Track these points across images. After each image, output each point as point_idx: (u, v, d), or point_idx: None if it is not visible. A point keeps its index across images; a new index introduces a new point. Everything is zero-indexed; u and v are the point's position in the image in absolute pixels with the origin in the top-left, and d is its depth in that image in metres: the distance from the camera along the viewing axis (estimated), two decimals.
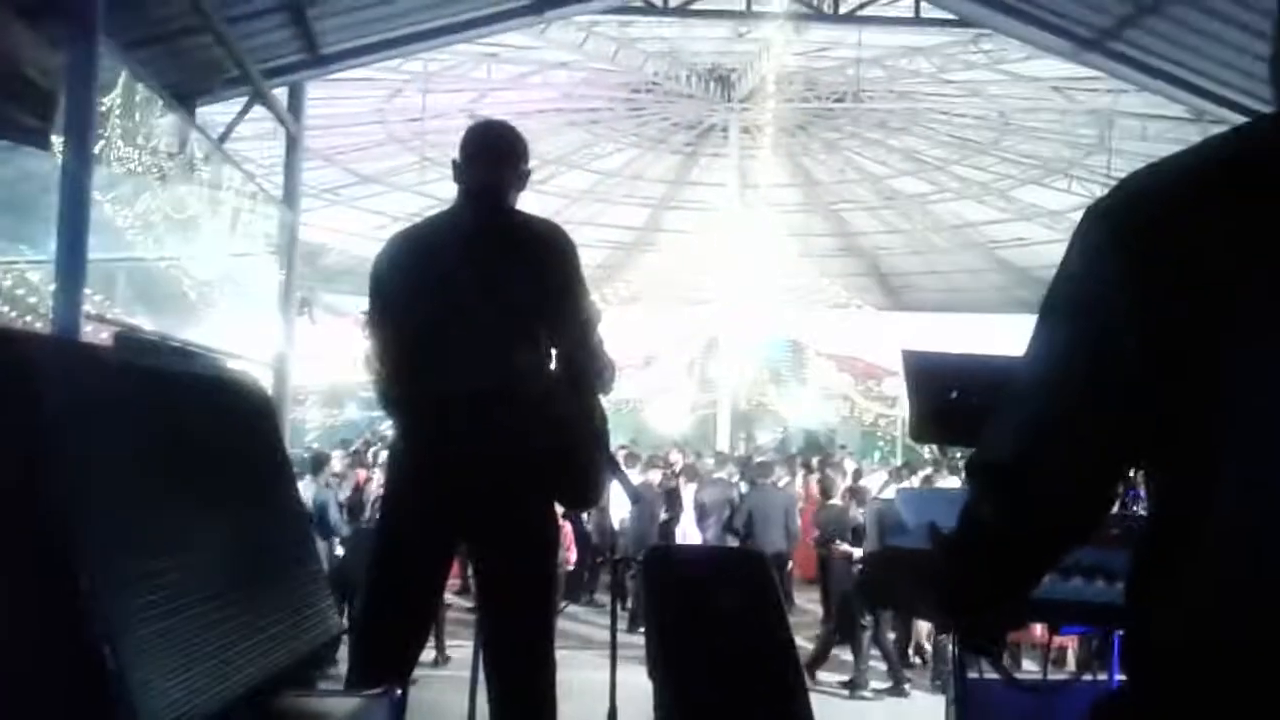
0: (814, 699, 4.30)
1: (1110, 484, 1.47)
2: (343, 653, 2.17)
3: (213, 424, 1.74)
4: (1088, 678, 3.88)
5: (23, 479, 1.23)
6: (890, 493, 10.74)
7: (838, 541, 9.15)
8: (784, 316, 17.79)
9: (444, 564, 3.23)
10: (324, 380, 14.14)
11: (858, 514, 9.39)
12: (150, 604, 1.36)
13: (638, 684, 4.06)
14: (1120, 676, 1.46)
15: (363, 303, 3.52)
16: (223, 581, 1.57)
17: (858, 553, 8.71)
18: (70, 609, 1.23)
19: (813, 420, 21.65)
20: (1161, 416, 1.29)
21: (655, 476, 11.97)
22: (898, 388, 17.93)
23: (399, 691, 1.97)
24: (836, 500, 9.87)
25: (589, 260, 3.73)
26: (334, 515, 8.32)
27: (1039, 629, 5.98)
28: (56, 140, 4.77)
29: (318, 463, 9.06)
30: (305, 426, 17.00)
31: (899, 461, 14.90)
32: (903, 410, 18.67)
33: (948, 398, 3.03)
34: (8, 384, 1.25)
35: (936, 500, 3.86)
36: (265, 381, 7.35)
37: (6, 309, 12.11)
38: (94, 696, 1.23)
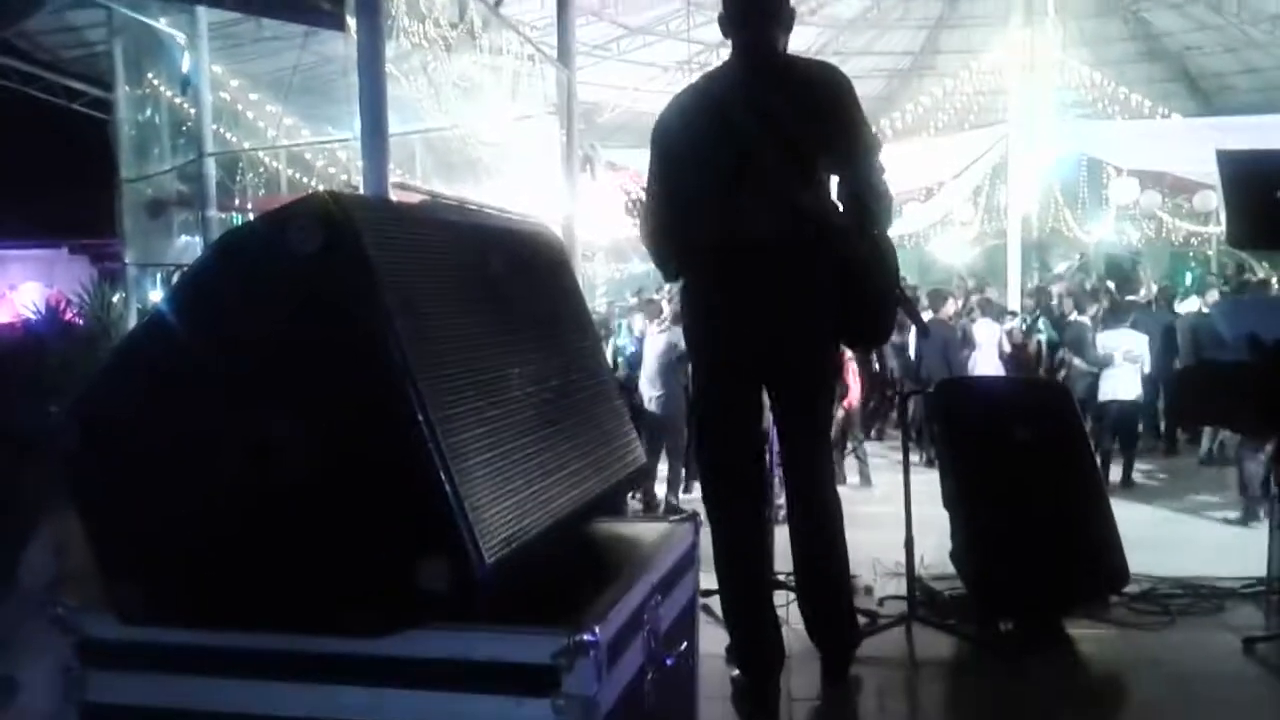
0: (1126, 520, 4.18)
1: None
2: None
3: (520, 275, 1.86)
4: None
5: (364, 329, 1.37)
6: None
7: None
8: (1078, 133, 16.53)
9: (756, 401, 3.35)
10: (608, 235, 14.52)
11: None
12: (476, 438, 1.50)
13: (933, 516, 4.09)
14: None
15: (640, 157, 3.60)
16: (536, 418, 1.69)
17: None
18: (411, 445, 1.38)
19: (1115, 243, 20.29)
20: None
21: (949, 308, 11.62)
22: (1210, 202, 16.46)
23: (700, 517, 2.08)
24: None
25: (865, 91, 3.64)
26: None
27: None
28: (350, 22, 5.06)
29: (651, 307, 9.07)
30: (594, 282, 17.61)
31: (1220, 282, 13.63)
32: (1217, 227, 17.14)
33: (1272, 197, 2.82)
34: (345, 237, 1.38)
35: (1257, 309, 3.59)
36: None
37: (321, 186, 13.12)
38: (436, 521, 1.38)
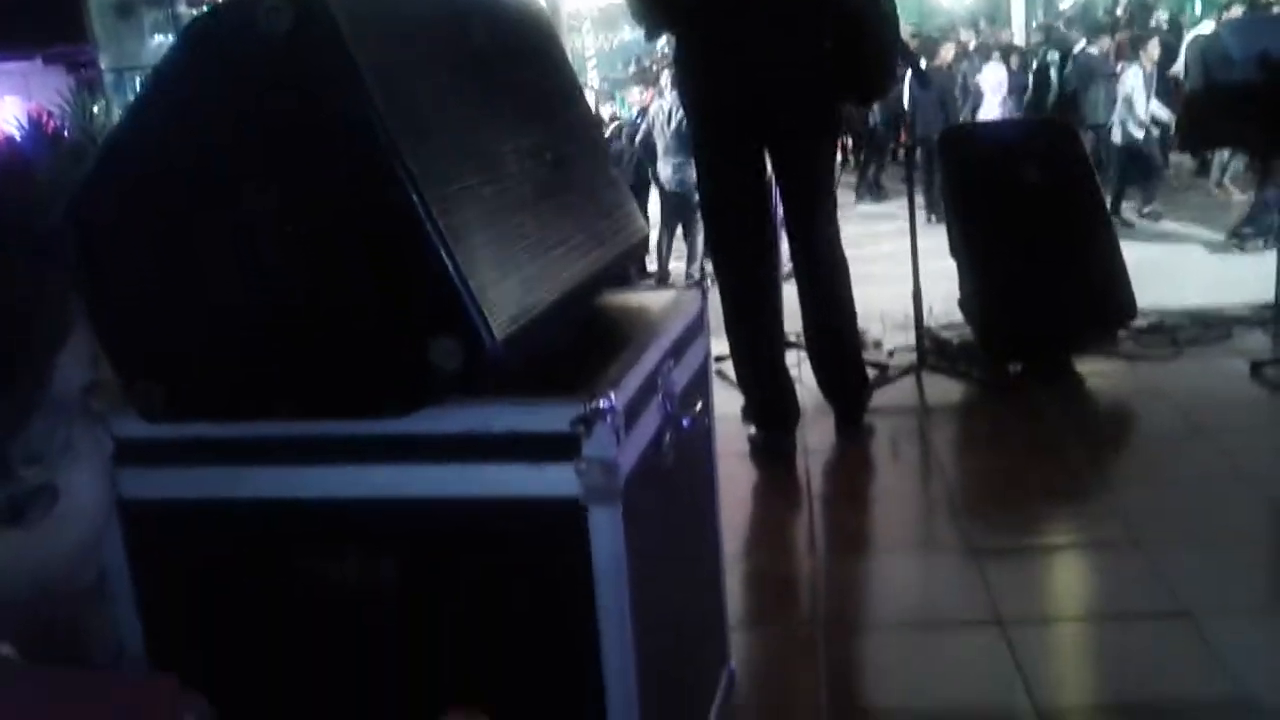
0: (1134, 256, 4.18)
1: None
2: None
3: (505, 47, 1.79)
4: None
5: (345, 111, 1.33)
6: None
7: None
8: None
9: (758, 163, 3.29)
10: (595, 3, 13.99)
11: None
12: (475, 217, 1.48)
13: (941, 270, 4.09)
14: None
15: None
16: (533, 193, 1.67)
17: None
18: (408, 227, 1.36)
19: None
20: None
21: (948, 54, 11.29)
22: None
23: (707, 283, 2.08)
24: None
25: None
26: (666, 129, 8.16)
27: None
28: None
29: (649, 76, 8.73)
30: (584, 54, 17.10)
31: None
32: None
33: None
34: (316, 15, 1.32)
35: (1269, 25, 3.44)
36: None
37: None
38: (444, 301, 1.38)
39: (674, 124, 7.66)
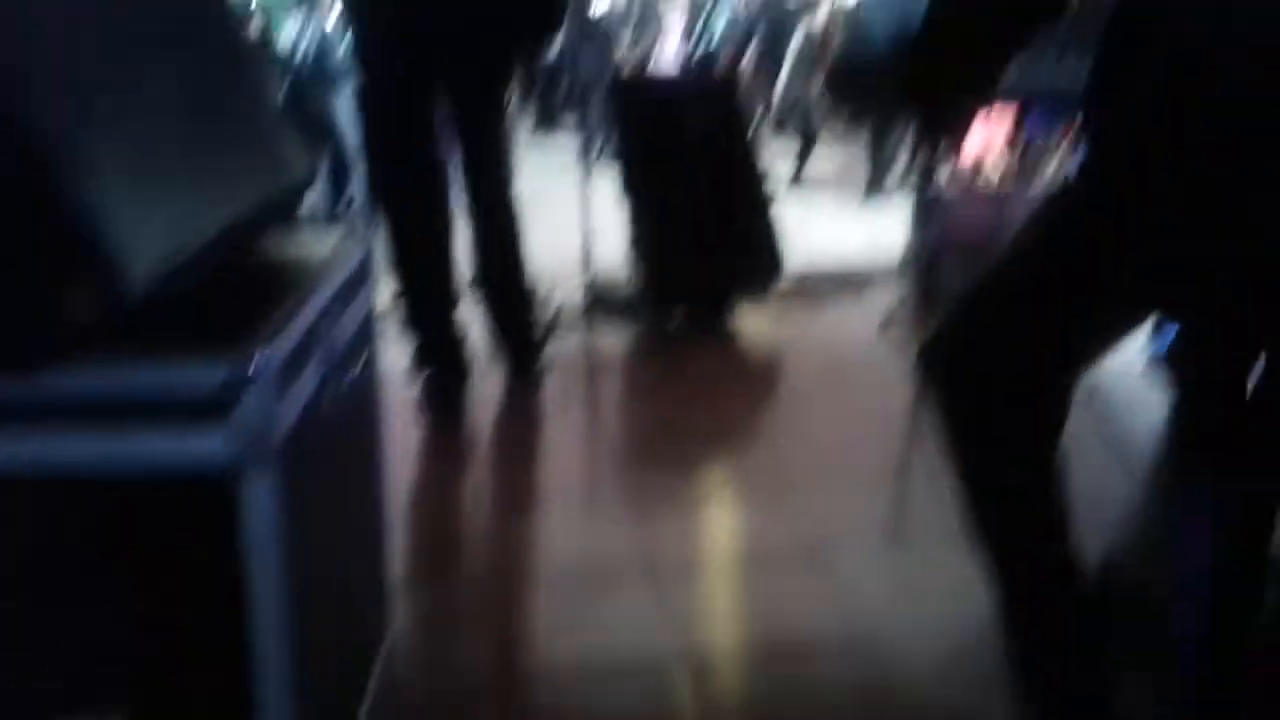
0: (788, 213, 4.44)
1: None
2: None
3: None
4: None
5: None
6: None
7: None
8: None
9: (427, 101, 3.17)
10: None
11: None
12: (115, 153, 1.33)
13: (613, 220, 4.17)
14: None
15: None
16: (182, 130, 1.52)
17: None
18: (35, 162, 1.20)
19: None
20: None
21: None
22: None
23: (374, 225, 1.99)
24: None
25: None
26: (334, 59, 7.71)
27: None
28: None
29: None
30: None
31: None
32: None
33: None
34: None
35: (904, 3, 3.74)
36: None
37: None
38: (76, 245, 1.23)
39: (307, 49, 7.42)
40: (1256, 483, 1.74)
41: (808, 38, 8.97)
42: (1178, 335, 1.66)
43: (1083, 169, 1.49)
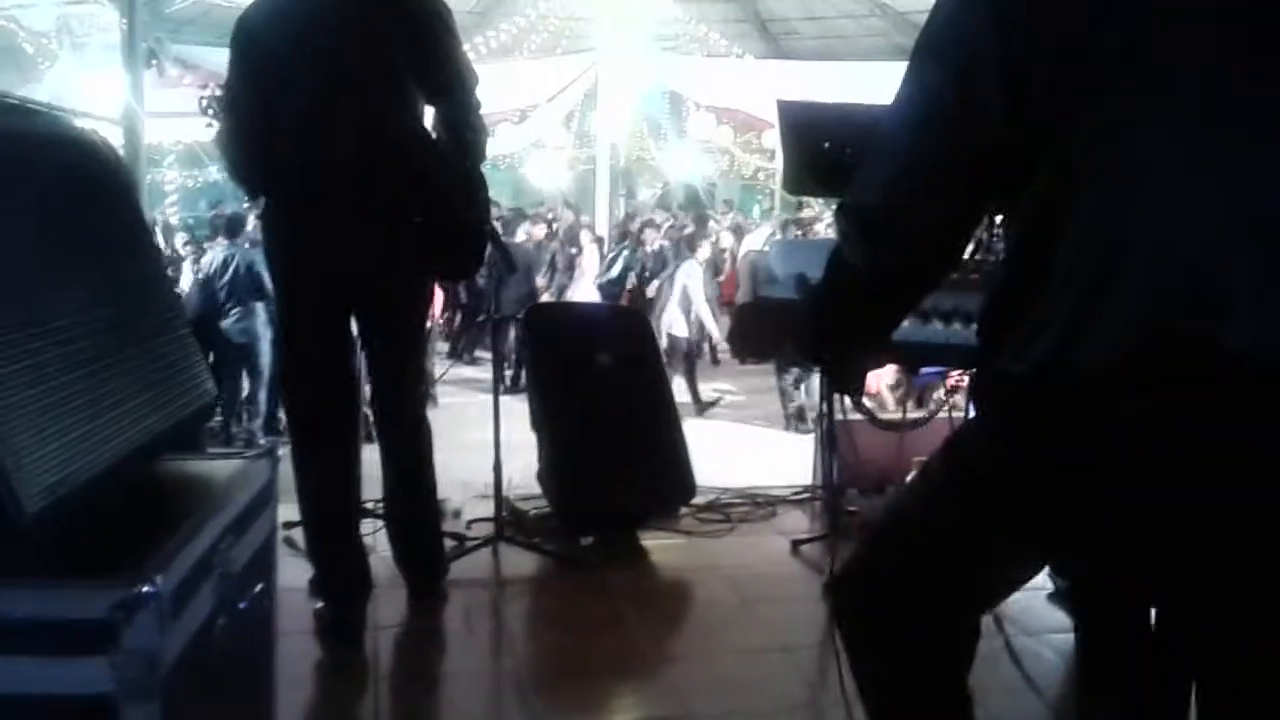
0: (696, 438, 4.52)
1: (970, 223, 1.54)
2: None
3: (62, 186, 1.66)
4: (942, 416, 4.13)
5: None
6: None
7: None
8: (663, 67, 17.35)
9: (344, 328, 3.23)
10: (181, 138, 13.40)
11: None
12: (14, 375, 1.34)
13: (524, 439, 4.20)
14: (972, 412, 1.57)
15: (214, 56, 3.34)
16: (88, 350, 1.53)
17: None
18: None
19: (693, 174, 21.56)
20: (1021, 158, 1.35)
21: (539, 232, 11.87)
22: (776, 140, 17.81)
23: (279, 452, 1.99)
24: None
25: (458, 7, 3.57)
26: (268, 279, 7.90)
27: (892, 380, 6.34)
28: None
29: (234, 224, 8.16)
30: (165, 188, 16.27)
31: (780, 215, 14.98)
32: (781, 163, 18.55)
33: (821, 148, 3.05)
34: None
35: (808, 250, 3.97)
36: (115, 140, 6.93)
37: None
38: None
39: (230, 273, 7.61)
40: (1160, 713, 1.77)
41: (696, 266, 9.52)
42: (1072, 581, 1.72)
43: (975, 422, 1.56)
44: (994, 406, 1.47)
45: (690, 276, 9.51)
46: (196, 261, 8.53)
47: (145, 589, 1.29)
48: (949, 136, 1.38)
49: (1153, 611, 1.90)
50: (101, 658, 1.27)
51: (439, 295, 8.62)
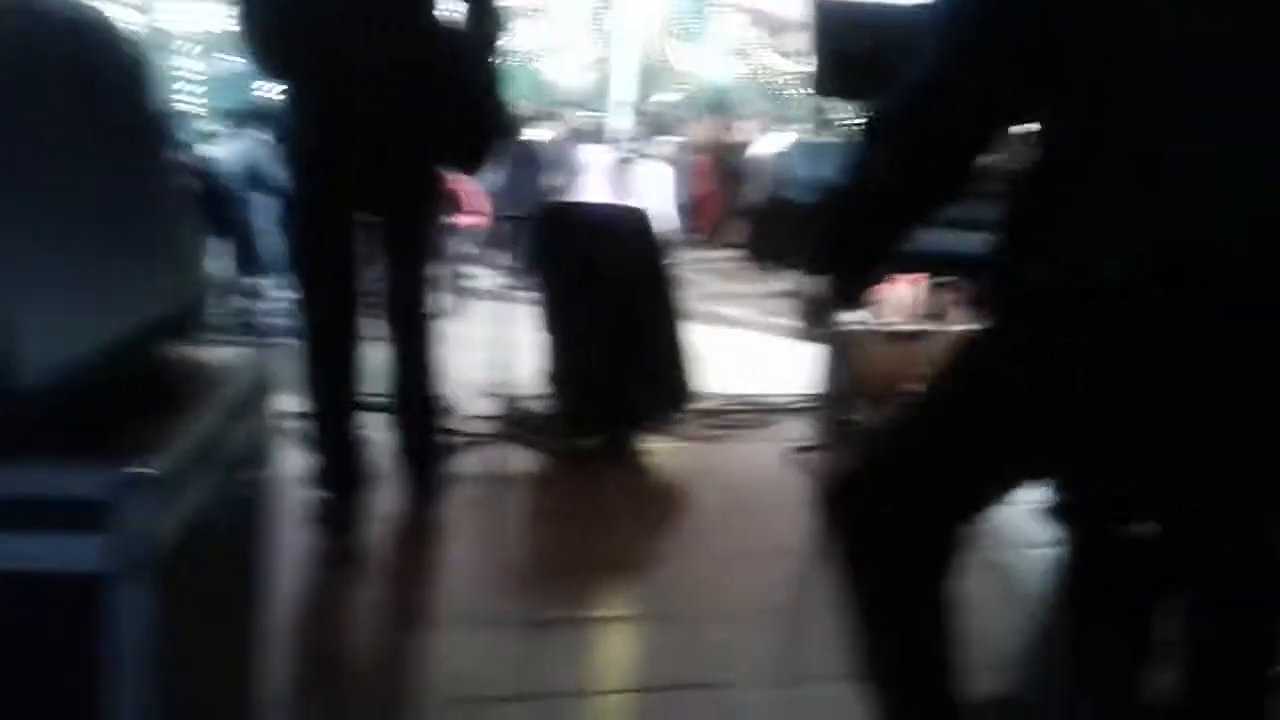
0: (704, 342, 4.53)
1: (993, 129, 1.53)
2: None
3: (71, 74, 1.65)
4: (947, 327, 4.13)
5: None
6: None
7: None
8: None
9: (355, 221, 3.24)
10: (203, 25, 13.23)
11: None
12: (12, 256, 1.35)
13: (535, 339, 4.22)
14: (980, 324, 1.57)
15: None
16: (91, 236, 1.54)
17: None
18: None
19: (719, 77, 21.15)
20: (1052, 67, 1.35)
21: (554, 131, 11.74)
22: (806, 42, 17.42)
23: (270, 347, 2.01)
24: None
25: None
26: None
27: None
28: None
29: (249, 116, 8.05)
30: (184, 76, 16.09)
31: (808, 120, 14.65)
32: (809, 67, 18.13)
33: (855, 49, 2.99)
34: None
35: (831, 152, 3.91)
36: (131, 24, 6.82)
37: None
38: None
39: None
40: (1148, 631, 1.80)
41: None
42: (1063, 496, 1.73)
43: (990, 332, 1.56)
44: (1016, 315, 1.47)
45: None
46: (210, 150, 8.44)
47: (143, 469, 1.32)
48: (977, 41, 1.39)
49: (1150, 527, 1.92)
50: (97, 536, 1.31)
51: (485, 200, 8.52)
